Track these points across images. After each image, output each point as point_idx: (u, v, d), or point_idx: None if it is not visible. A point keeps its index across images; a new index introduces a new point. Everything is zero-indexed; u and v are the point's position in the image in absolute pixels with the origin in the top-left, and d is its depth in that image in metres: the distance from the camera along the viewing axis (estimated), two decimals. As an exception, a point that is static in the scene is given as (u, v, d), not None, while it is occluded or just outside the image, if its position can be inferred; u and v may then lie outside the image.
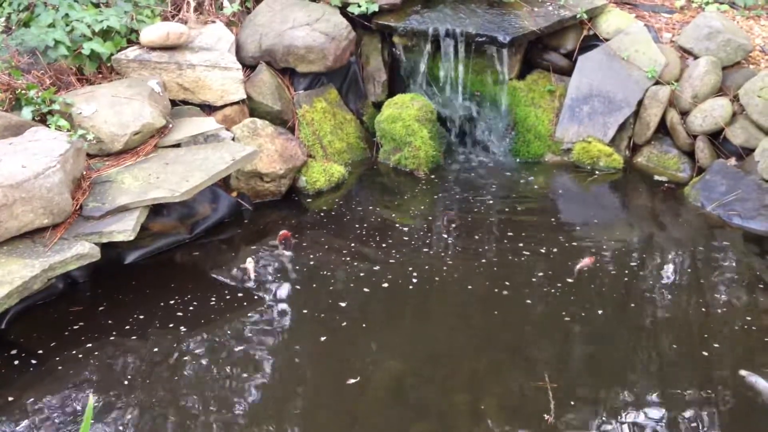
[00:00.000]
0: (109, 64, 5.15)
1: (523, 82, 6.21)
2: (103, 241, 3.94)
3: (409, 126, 5.61)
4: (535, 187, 5.58)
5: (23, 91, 4.47)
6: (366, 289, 4.14)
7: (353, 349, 3.68)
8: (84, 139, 4.36)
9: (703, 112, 5.58)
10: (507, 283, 4.20)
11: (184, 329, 3.75)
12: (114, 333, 3.70)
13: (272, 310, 3.97)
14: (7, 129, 4.22)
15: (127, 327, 3.75)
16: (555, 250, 4.57)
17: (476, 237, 4.76)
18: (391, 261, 4.42)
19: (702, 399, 3.35)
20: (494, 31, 5.83)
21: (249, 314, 3.91)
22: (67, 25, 4.99)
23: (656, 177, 5.71)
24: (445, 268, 4.36)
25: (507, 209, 5.18)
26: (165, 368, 3.47)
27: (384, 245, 4.60)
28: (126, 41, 5.26)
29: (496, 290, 4.14)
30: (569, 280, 4.23)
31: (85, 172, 4.27)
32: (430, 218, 5.08)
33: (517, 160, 6.02)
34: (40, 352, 3.56)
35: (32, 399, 3.24)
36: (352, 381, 3.40)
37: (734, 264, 4.55)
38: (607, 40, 6.05)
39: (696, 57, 5.85)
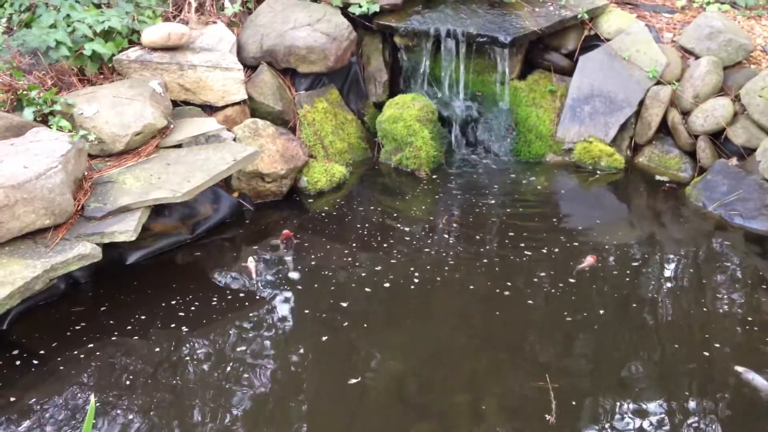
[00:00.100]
0: (110, 65, 5.16)
1: (524, 82, 6.21)
2: (105, 242, 3.95)
3: (410, 126, 5.62)
4: (537, 187, 5.58)
5: (25, 92, 4.47)
6: (367, 289, 4.14)
7: (354, 349, 3.68)
8: (85, 140, 4.36)
9: (704, 112, 5.58)
10: (508, 283, 4.20)
11: (186, 329, 3.75)
12: (116, 333, 3.70)
13: (274, 311, 3.97)
14: (8, 130, 4.22)
15: (129, 327, 3.75)
16: (556, 250, 4.57)
17: (478, 237, 4.76)
18: (392, 261, 4.42)
19: (703, 399, 3.35)
20: (495, 31, 5.83)
21: (250, 314, 3.92)
22: (68, 25, 5.00)
23: (657, 177, 5.71)
24: (446, 268, 4.36)
25: (508, 209, 5.18)
26: (166, 368, 3.47)
27: (385, 245, 4.60)
28: (127, 42, 5.26)
29: (497, 290, 4.14)
30: (571, 280, 4.23)
31: (86, 173, 4.27)
32: (431, 218, 5.08)
33: (519, 160, 6.02)
34: (42, 352, 3.56)
35: (34, 399, 3.24)
36: (353, 381, 3.40)
37: (735, 264, 4.55)
38: (608, 40, 6.05)
39: (697, 57, 5.84)
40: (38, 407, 3.20)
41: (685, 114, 5.74)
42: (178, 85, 5.17)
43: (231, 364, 3.52)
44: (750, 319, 3.93)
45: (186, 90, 5.19)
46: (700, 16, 6.05)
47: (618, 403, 3.31)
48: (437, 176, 5.66)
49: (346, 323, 3.84)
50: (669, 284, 4.30)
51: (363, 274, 4.28)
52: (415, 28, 5.91)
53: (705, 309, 4.03)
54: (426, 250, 4.58)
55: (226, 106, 5.29)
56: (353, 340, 3.74)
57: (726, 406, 3.32)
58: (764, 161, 5.10)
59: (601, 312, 3.97)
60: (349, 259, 4.44)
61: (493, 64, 6.10)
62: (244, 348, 3.63)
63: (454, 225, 4.92)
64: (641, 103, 5.85)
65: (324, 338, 3.72)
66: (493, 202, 5.28)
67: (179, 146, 4.72)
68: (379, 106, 6.12)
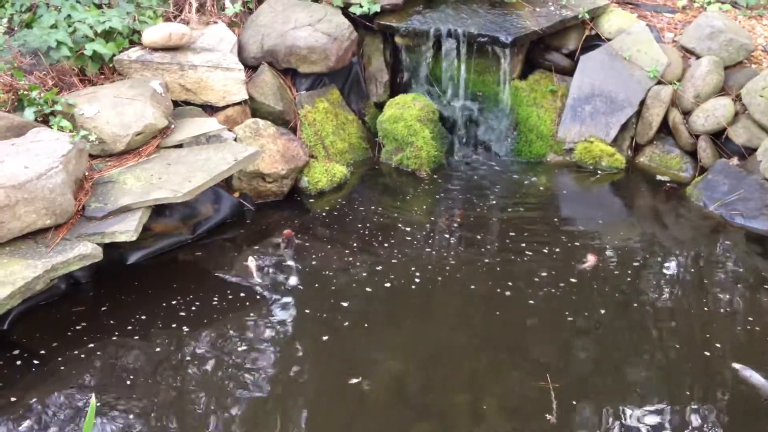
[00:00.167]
0: (111, 65, 5.16)
1: (525, 82, 6.20)
2: (106, 242, 3.95)
3: (411, 126, 5.62)
4: (538, 187, 5.58)
5: (25, 92, 4.47)
6: (368, 289, 4.14)
7: (355, 349, 3.68)
8: (86, 140, 4.37)
9: (705, 112, 5.57)
10: (509, 283, 4.20)
11: (187, 329, 3.75)
12: (116, 333, 3.70)
13: (274, 310, 3.97)
14: (9, 130, 4.23)
15: (130, 327, 3.75)
16: (557, 250, 4.57)
17: (478, 237, 4.76)
18: (393, 261, 4.42)
19: (704, 398, 3.35)
20: (496, 31, 5.83)
21: (251, 314, 3.92)
22: (69, 26, 5.00)
23: (658, 177, 5.71)
24: (447, 268, 4.36)
25: (509, 209, 5.18)
26: (167, 368, 3.48)
27: (386, 245, 4.60)
28: (128, 42, 5.26)
29: (498, 290, 4.14)
30: (572, 280, 4.23)
31: (87, 173, 4.28)
32: (432, 218, 5.08)
33: (519, 160, 6.01)
34: (43, 352, 3.56)
35: (35, 399, 3.25)
36: (354, 380, 3.40)
37: (736, 264, 4.54)
38: (609, 40, 6.05)
39: (698, 57, 5.84)
40: (39, 407, 3.20)
41: (686, 114, 5.74)
42: (178, 85, 5.17)
43: (231, 363, 3.52)
44: (751, 319, 3.93)
45: (187, 90, 5.19)
46: (701, 16, 6.04)
47: (618, 403, 3.31)
48: (438, 176, 5.66)
49: (347, 323, 3.84)
50: (670, 284, 4.30)
51: (364, 274, 4.28)
52: (416, 28, 5.91)
53: (706, 309, 4.03)
54: (427, 250, 4.58)
55: (227, 106, 5.28)
56: (354, 339, 3.74)
57: (726, 406, 3.32)
58: (765, 161, 5.10)
59: (602, 312, 3.97)
60: (350, 259, 4.44)
61: (494, 64, 6.09)
62: (244, 348, 3.63)
63: (456, 224, 4.92)
64: (642, 103, 5.85)
65: (324, 338, 3.72)
66: (494, 202, 5.28)
67: (180, 146, 4.73)
68: (380, 106, 6.12)
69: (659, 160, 5.84)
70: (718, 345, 3.70)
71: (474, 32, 5.83)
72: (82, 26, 4.97)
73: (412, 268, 4.33)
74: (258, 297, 4.07)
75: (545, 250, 4.56)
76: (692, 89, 5.67)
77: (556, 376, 3.44)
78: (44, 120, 4.47)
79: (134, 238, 3.98)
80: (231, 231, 4.77)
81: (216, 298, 4.02)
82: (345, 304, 3.99)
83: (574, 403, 3.29)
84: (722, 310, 4.02)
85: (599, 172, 5.76)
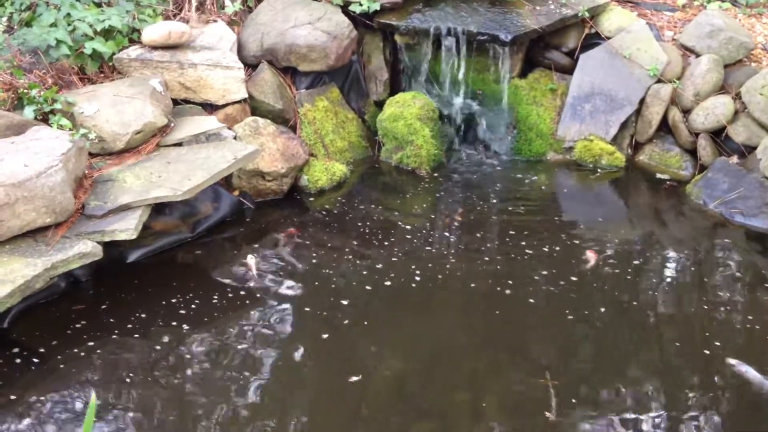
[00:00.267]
0: (110, 64, 5.15)
1: (524, 81, 6.20)
2: (106, 240, 3.94)
3: (410, 125, 5.61)
4: (538, 185, 5.58)
5: (25, 91, 4.47)
6: (368, 287, 4.15)
7: (355, 347, 3.68)
8: (86, 138, 4.36)
9: (705, 110, 5.57)
10: (509, 281, 4.20)
11: (187, 327, 3.75)
12: (116, 331, 3.70)
13: (274, 309, 3.97)
14: (9, 128, 4.23)
15: (130, 325, 3.75)
16: (557, 248, 4.57)
17: (478, 235, 4.76)
18: (393, 259, 4.42)
19: (703, 397, 3.35)
20: (496, 29, 5.83)
21: (251, 312, 3.92)
22: (68, 24, 5.00)
23: (658, 175, 5.71)
24: (447, 266, 4.36)
25: (509, 208, 5.18)
26: (167, 366, 3.48)
27: (386, 243, 4.60)
28: (128, 40, 5.26)
29: (498, 288, 4.14)
30: (572, 278, 4.24)
31: (87, 171, 4.27)
32: (432, 217, 5.08)
33: (519, 158, 6.01)
34: (42, 350, 3.56)
35: (34, 398, 3.25)
36: (354, 379, 3.40)
37: (736, 262, 4.55)
38: (608, 38, 6.05)
39: (698, 55, 5.84)
40: (39, 405, 3.20)
41: (686, 112, 5.74)
42: (178, 83, 5.17)
43: (231, 362, 3.52)
44: (750, 317, 3.93)
45: (186, 88, 5.19)
46: (701, 14, 6.04)
47: (618, 401, 3.31)
48: (438, 175, 5.66)
49: (347, 321, 3.84)
50: (669, 282, 4.30)
51: (364, 272, 4.28)
52: (416, 27, 5.91)
53: (705, 307, 4.03)
54: (427, 248, 4.58)
55: (227, 104, 5.28)
56: (354, 338, 3.75)
57: (726, 404, 3.32)
58: (765, 159, 5.10)
59: (602, 310, 3.97)
60: (350, 257, 4.44)
61: (494, 62, 6.09)
62: (244, 346, 3.63)
63: (456, 223, 4.92)
64: (642, 102, 5.85)
65: (324, 336, 3.72)
66: (493, 200, 5.28)
67: (180, 145, 4.72)
68: (379, 105, 6.12)
69: (659, 159, 5.84)
70: (717, 343, 3.70)
71: (474, 30, 5.83)
72: (82, 25, 4.97)
73: (412, 267, 4.33)
74: (258, 295, 4.07)
75: (545, 249, 4.56)
76: (692, 87, 5.67)
77: (555, 374, 3.44)
78: (44, 118, 4.47)
79: (134, 237, 3.98)
80: (231, 229, 4.77)
81: (216, 297, 4.02)
82: (345, 303, 3.99)
83: (574, 401, 3.29)
84: (722, 309, 4.02)
85: (599, 170, 5.76)
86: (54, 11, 5.05)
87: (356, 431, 3.18)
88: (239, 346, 3.63)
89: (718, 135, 5.58)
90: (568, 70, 6.16)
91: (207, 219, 4.71)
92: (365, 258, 4.43)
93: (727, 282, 4.31)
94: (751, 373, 3.44)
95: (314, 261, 4.39)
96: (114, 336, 3.67)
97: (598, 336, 3.81)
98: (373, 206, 5.14)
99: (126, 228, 3.95)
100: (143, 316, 3.83)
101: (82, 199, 4.08)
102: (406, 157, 5.67)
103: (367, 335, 3.76)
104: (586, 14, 6.01)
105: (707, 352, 3.64)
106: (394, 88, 6.27)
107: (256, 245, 4.58)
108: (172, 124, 4.84)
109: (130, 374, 3.41)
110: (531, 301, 4.05)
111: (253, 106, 5.45)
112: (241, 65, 5.30)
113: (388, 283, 4.18)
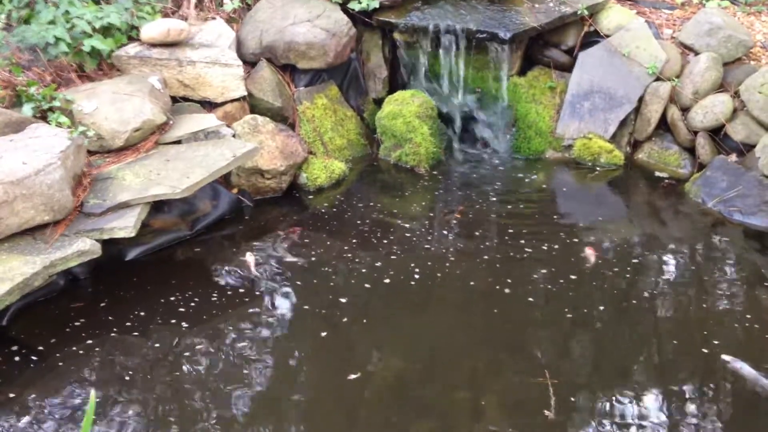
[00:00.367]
0: (109, 61, 5.15)
1: (523, 79, 6.20)
2: (104, 238, 3.94)
3: (409, 122, 5.61)
4: (536, 183, 5.58)
5: (24, 88, 4.46)
6: (367, 285, 4.14)
7: (354, 345, 3.68)
8: (84, 136, 4.36)
9: (703, 109, 5.58)
10: (509, 279, 4.20)
11: (186, 325, 3.75)
12: (115, 329, 3.70)
13: (273, 306, 3.97)
14: (7, 126, 4.22)
15: (128, 323, 3.75)
16: (556, 246, 4.57)
17: (477, 233, 4.76)
18: (392, 257, 4.42)
19: (702, 395, 3.35)
20: (495, 27, 5.82)
21: (250, 310, 3.91)
22: (67, 21, 4.99)
23: (657, 173, 5.71)
24: (446, 264, 4.36)
25: (508, 206, 5.18)
26: (166, 364, 3.47)
27: (385, 241, 4.60)
28: (126, 38, 5.26)
29: (497, 287, 4.14)
30: (571, 277, 4.24)
31: (85, 169, 4.27)
32: (431, 214, 5.08)
33: (518, 156, 6.01)
34: (41, 348, 3.56)
35: (33, 395, 3.24)
36: (353, 377, 3.40)
37: (735, 260, 4.55)
38: (607, 36, 6.05)
39: (697, 53, 5.84)
40: (37, 403, 3.20)
41: (685, 110, 5.74)
42: (177, 81, 5.16)
43: (230, 359, 3.52)
44: (749, 316, 3.94)
45: (185, 86, 5.18)
46: (700, 13, 6.04)
47: (617, 399, 3.31)
48: (437, 172, 5.66)
49: (346, 319, 3.84)
50: (668, 281, 4.30)
51: (363, 270, 4.28)
52: (415, 24, 5.90)
53: (704, 306, 4.03)
54: (426, 246, 4.58)
55: (226, 102, 5.28)
56: (353, 335, 3.75)
57: (725, 403, 3.32)
58: (764, 157, 5.10)
59: (601, 308, 3.97)
60: (349, 255, 4.44)
61: (493, 60, 6.09)
62: (243, 344, 3.63)
63: (455, 220, 4.91)
64: (641, 100, 5.85)
65: (323, 334, 3.72)
66: (493, 198, 5.28)
67: (178, 142, 4.72)
68: (378, 103, 6.12)
69: (658, 157, 5.84)
70: (716, 342, 3.70)
71: (473, 28, 5.82)
72: (80, 22, 4.96)
73: (411, 264, 4.33)
74: (256, 293, 4.07)
75: (544, 247, 4.56)
76: (691, 86, 5.67)
77: (554, 372, 3.44)
78: (42, 116, 4.46)
79: (133, 234, 3.98)
80: (229, 227, 4.77)
81: (215, 294, 4.02)
82: (344, 300, 3.99)
83: (573, 399, 3.29)
84: (720, 307, 4.02)
85: (598, 168, 5.76)
86: (52, 8, 5.05)
87: (355, 429, 3.18)
88: (238, 344, 3.63)
89: (717, 133, 5.58)
90: (567, 68, 6.16)
91: (206, 217, 4.71)
92: (364, 256, 4.43)
93: (726, 280, 4.32)
94: (745, 369, 3.45)
95: (313, 259, 4.39)
96: (113, 334, 3.67)
97: (598, 335, 3.81)
98: (371, 204, 5.14)
99: (125, 226, 3.95)
100: (142, 313, 3.82)
101: (81, 197, 4.08)
102: (405, 155, 5.67)
103: (366, 333, 3.76)
104: (585, 12, 6.01)
105: (706, 350, 3.64)
106: (393, 85, 6.27)
107: (255, 243, 4.58)
108: (171, 122, 4.84)
109: (129, 372, 3.40)
110: (530, 299, 4.05)
111: (252, 104, 5.45)
112: (240, 63, 5.29)
113: (387, 281, 4.18)
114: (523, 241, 4.63)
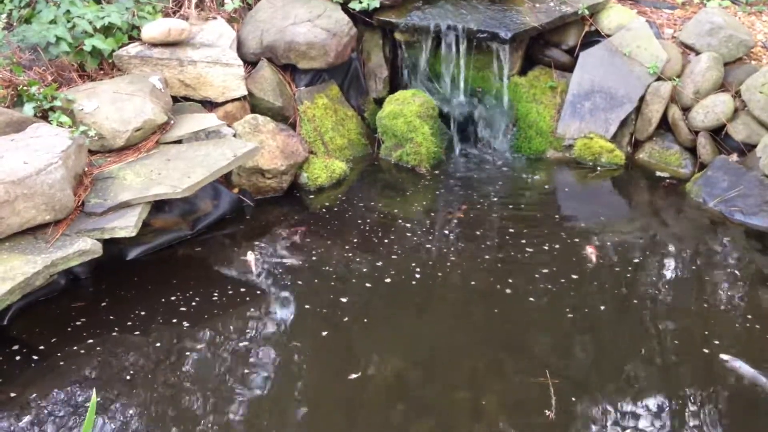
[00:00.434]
0: (110, 61, 5.15)
1: (524, 78, 6.20)
2: (105, 237, 3.95)
3: (410, 122, 5.61)
4: (537, 183, 5.58)
5: (25, 88, 4.47)
6: (368, 285, 4.15)
7: (355, 345, 3.69)
8: (86, 136, 4.36)
9: (704, 108, 5.57)
10: (509, 279, 4.20)
11: (187, 325, 3.76)
12: (116, 329, 3.70)
13: (274, 306, 3.97)
14: (8, 125, 4.22)
15: (129, 323, 3.75)
16: (557, 246, 4.57)
17: (478, 233, 4.76)
18: (393, 257, 4.42)
19: (702, 395, 3.35)
20: (495, 27, 5.82)
21: (251, 310, 3.92)
22: (68, 21, 4.99)
23: (658, 173, 5.71)
24: (447, 264, 4.36)
25: (509, 205, 5.18)
26: (167, 364, 3.48)
27: (386, 241, 4.60)
28: (127, 38, 5.26)
29: (498, 287, 4.14)
30: (572, 276, 4.24)
31: (86, 169, 4.27)
32: (432, 214, 5.08)
33: (519, 156, 6.01)
34: (42, 347, 3.56)
35: (34, 395, 3.25)
36: (353, 376, 3.40)
37: (736, 260, 4.54)
38: (608, 36, 6.04)
39: (698, 53, 5.84)
40: (38, 403, 3.20)
41: (686, 110, 5.74)
42: (178, 80, 5.16)
43: (231, 359, 3.52)
44: (750, 316, 3.94)
45: (186, 86, 5.19)
46: (701, 12, 6.04)
47: (617, 399, 3.31)
48: (438, 172, 5.66)
49: (347, 318, 3.84)
50: (669, 281, 4.30)
51: (363, 270, 4.28)
52: (416, 24, 5.90)
53: (705, 305, 4.03)
54: (427, 246, 4.58)
55: (226, 102, 5.28)
56: (353, 335, 3.75)
57: (725, 403, 3.32)
58: (765, 157, 5.10)
59: (602, 308, 3.97)
60: (350, 254, 4.44)
61: (494, 60, 6.09)
62: (244, 343, 3.63)
63: (456, 220, 4.91)
64: (642, 99, 5.85)
65: (324, 333, 3.72)
66: (493, 198, 5.28)
67: (179, 142, 4.72)
68: (379, 102, 6.12)
69: (659, 157, 5.84)
70: (717, 342, 3.70)
71: (473, 28, 5.82)
72: (81, 22, 4.96)
73: (412, 264, 4.33)
74: (257, 292, 4.07)
75: (545, 247, 4.56)
76: (692, 85, 5.67)
77: (555, 372, 3.44)
78: (43, 116, 4.47)
79: (134, 234, 3.98)
80: (230, 227, 4.77)
81: (215, 294, 4.02)
82: (344, 300, 3.99)
83: (574, 399, 3.29)
84: (721, 307, 4.02)
85: (599, 168, 5.76)
86: (53, 8, 5.05)
87: (356, 429, 3.18)
88: (239, 344, 3.63)
89: (718, 133, 5.58)
90: (568, 68, 6.16)
91: (207, 216, 4.71)
92: (365, 255, 4.43)
93: (727, 280, 4.31)
94: (744, 368, 3.45)
95: (314, 258, 4.39)
96: (114, 333, 3.67)
97: (598, 334, 3.81)
98: (372, 204, 5.14)
99: (126, 225, 3.95)
100: (143, 313, 3.83)
101: (82, 197, 4.08)
102: (406, 154, 5.66)
103: (367, 333, 3.76)
104: (586, 12, 6.00)
105: (706, 350, 3.64)
106: (394, 85, 6.27)
107: (256, 242, 4.58)
108: (172, 122, 4.84)
109: (130, 371, 3.41)
110: (531, 299, 4.05)
111: (253, 104, 5.45)
112: (241, 62, 5.29)
113: (388, 280, 4.18)
114: (523, 241, 4.63)
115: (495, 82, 6.16)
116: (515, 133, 6.07)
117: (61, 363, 3.46)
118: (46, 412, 3.16)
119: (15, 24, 5.08)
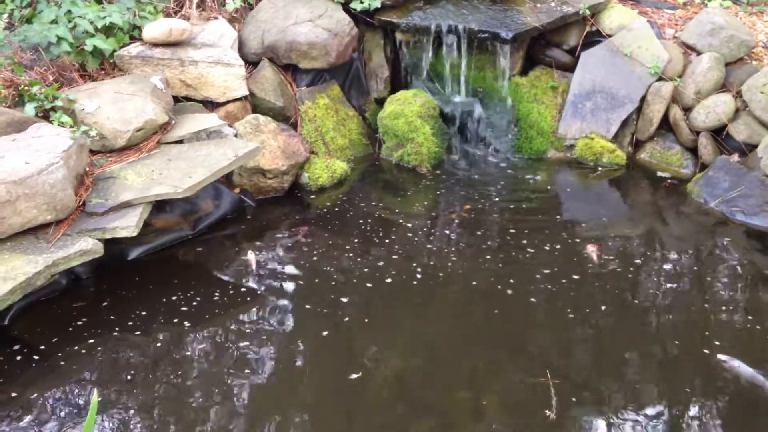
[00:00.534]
0: (111, 61, 5.15)
1: (525, 78, 6.20)
2: (107, 237, 3.95)
3: (411, 122, 5.61)
4: (538, 183, 5.58)
5: (26, 88, 4.47)
6: (369, 285, 4.15)
7: (355, 345, 3.69)
8: (87, 136, 4.37)
9: (705, 108, 5.57)
10: (510, 280, 4.20)
11: (188, 324, 3.76)
12: (117, 329, 3.71)
13: (275, 306, 3.97)
14: (10, 125, 4.23)
15: (131, 323, 3.75)
16: (558, 246, 4.57)
17: (479, 233, 4.76)
18: (394, 257, 4.42)
19: (703, 396, 3.35)
20: (497, 27, 5.82)
21: (252, 309, 3.92)
22: (69, 21, 5.00)
23: (659, 173, 5.71)
24: (448, 264, 4.36)
25: (510, 206, 5.18)
26: (168, 364, 3.48)
27: (387, 241, 4.60)
28: (129, 37, 5.26)
29: (499, 287, 4.14)
30: (574, 277, 4.24)
31: (88, 169, 4.28)
32: (433, 214, 5.08)
33: (520, 156, 6.01)
34: (43, 347, 3.57)
35: (35, 395, 3.25)
36: (354, 376, 3.40)
37: (737, 261, 4.54)
38: (610, 36, 6.04)
39: (699, 53, 5.83)
40: (39, 403, 3.21)
41: (687, 110, 5.74)
42: (179, 80, 5.17)
43: (232, 359, 3.52)
44: (751, 317, 3.93)
45: (187, 86, 5.19)
46: (702, 12, 6.04)
47: (618, 399, 3.31)
48: (439, 172, 5.66)
49: (347, 318, 3.84)
50: (670, 281, 4.30)
51: (364, 270, 4.28)
52: (417, 24, 5.91)
53: (706, 306, 4.03)
54: (428, 246, 4.58)
55: (228, 102, 5.28)
56: (354, 335, 3.75)
57: (725, 403, 3.32)
58: (766, 157, 5.10)
59: (603, 308, 3.97)
60: (351, 254, 4.44)
61: (495, 60, 6.09)
62: (245, 343, 3.64)
63: (458, 220, 4.92)
64: (643, 99, 5.85)
65: (325, 333, 3.72)
66: (495, 198, 5.28)
67: (180, 142, 4.73)
68: (380, 102, 6.12)
69: (660, 157, 5.84)
70: (717, 342, 3.70)
71: (474, 28, 5.82)
72: (83, 22, 4.97)
73: (413, 264, 4.33)
74: (258, 292, 4.08)
75: (546, 247, 4.56)
76: (693, 85, 5.67)
77: (556, 373, 3.44)
78: (45, 115, 4.47)
79: (135, 234, 3.99)
80: (231, 227, 4.77)
81: (217, 294, 4.03)
82: (345, 300, 3.99)
83: (574, 399, 3.29)
84: (722, 308, 4.02)
85: (600, 168, 5.76)
86: (55, 8, 5.06)
87: (356, 429, 3.19)
88: (240, 343, 3.63)
89: (719, 133, 5.58)
90: (569, 68, 6.16)
91: (208, 216, 4.72)
92: (366, 255, 4.43)
93: (728, 281, 4.31)
94: (743, 368, 3.45)
95: (315, 258, 4.40)
96: (115, 333, 3.67)
97: (599, 335, 3.81)
98: (373, 204, 5.14)
99: (127, 225, 3.96)
100: (144, 313, 3.83)
101: (83, 197, 4.08)
102: (407, 154, 5.67)
103: (368, 333, 3.77)
104: (587, 12, 6.00)
105: (707, 351, 3.64)
106: (395, 85, 6.27)
107: (257, 243, 4.58)
108: (173, 122, 4.84)
109: (131, 371, 3.41)
110: (532, 299, 4.05)
111: (254, 104, 5.45)
112: (242, 62, 5.30)
113: (388, 280, 4.18)
114: (525, 241, 4.63)
115: (496, 83, 6.16)
116: (516, 133, 6.07)
117: (62, 363, 3.46)
118: (47, 411, 3.16)
119: (16, 24, 5.08)
